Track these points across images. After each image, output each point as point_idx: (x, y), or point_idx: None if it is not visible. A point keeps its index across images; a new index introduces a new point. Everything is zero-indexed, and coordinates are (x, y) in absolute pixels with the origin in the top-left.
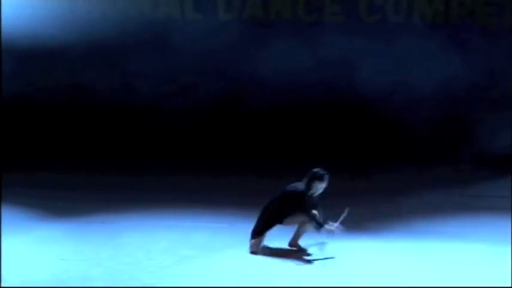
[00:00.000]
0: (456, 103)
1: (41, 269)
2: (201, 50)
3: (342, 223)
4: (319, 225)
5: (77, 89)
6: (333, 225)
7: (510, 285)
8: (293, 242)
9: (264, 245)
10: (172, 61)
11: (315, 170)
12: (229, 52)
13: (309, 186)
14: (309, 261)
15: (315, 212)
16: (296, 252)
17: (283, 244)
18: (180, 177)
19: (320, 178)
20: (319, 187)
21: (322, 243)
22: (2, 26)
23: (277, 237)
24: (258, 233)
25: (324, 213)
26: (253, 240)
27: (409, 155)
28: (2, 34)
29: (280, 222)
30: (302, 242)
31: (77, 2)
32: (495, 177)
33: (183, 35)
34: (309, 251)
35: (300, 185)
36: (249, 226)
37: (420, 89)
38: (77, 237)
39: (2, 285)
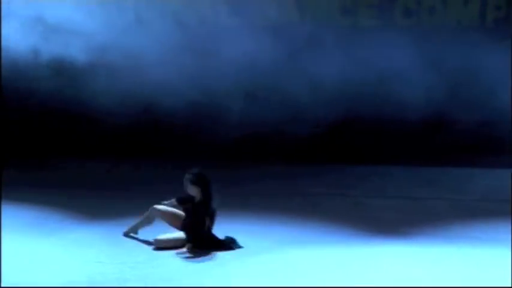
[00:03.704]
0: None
1: (77, 271)
2: None
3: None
4: None
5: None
6: None
7: (510, 286)
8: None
9: None
10: None
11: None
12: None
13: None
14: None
15: None
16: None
17: None
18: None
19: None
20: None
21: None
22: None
23: None
24: None
25: None
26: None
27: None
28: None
29: None
30: None
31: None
32: None
33: None
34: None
35: None
36: (285, 229)
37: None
38: (113, 240)
39: (2, 285)
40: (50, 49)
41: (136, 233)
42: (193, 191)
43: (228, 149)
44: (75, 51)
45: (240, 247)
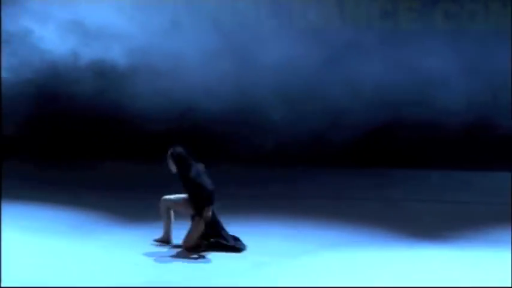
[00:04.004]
0: None
1: (115, 273)
2: None
3: None
4: None
5: None
6: None
7: (510, 286)
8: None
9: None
10: None
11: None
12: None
13: None
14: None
15: None
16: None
17: None
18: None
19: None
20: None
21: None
22: None
23: None
24: None
25: None
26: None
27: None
28: None
29: None
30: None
31: None
32: None
33: None
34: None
35: None
36: (320, 233)
37: None
38: (149, 241)
39: (2, 285)
40: (89, 52)
41: (169, 240)
42: (171, 166)
43: (267, 153)
44: (115, 54)
45: (243, 248)
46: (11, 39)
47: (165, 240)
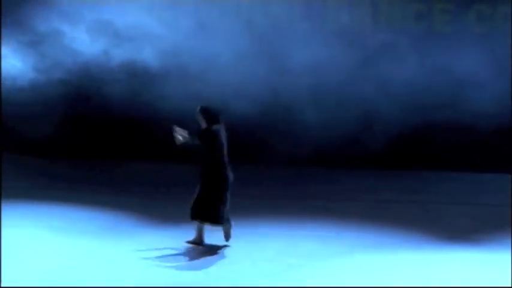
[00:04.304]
0: None
1: (149, 274)
2: None
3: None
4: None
5: None
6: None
7: (510, 286)
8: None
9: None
10: None
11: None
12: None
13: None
14: None
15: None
16: None
17: None
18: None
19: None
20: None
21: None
22: None
23: None
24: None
25: None
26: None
27: None
28: None
29: None
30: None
31: None
32: None
33: None
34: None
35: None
36: (355, 235)
37: None
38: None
39: (2, 285)
40: (121, 53)
41: (201, 242)
42: (201, 121)
43: (300, 155)
44: (146, 55)
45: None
46: (42, 40)
47: (197, 242)
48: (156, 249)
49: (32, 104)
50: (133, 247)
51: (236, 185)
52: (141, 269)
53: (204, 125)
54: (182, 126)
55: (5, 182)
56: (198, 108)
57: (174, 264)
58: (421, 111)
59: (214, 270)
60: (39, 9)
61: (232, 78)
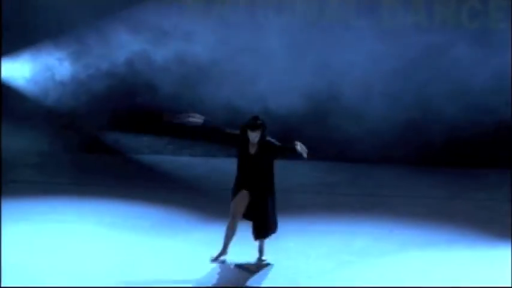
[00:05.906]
0: None
1: (195, 270)
2: None
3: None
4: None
5: None
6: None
7: (510, 286)
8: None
9: None
10: None
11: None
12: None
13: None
14: None
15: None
16: None
17: None
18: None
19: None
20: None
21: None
22: None
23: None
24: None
25: None
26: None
27: None
28: None
29: None
30: None
31: None
32: None
33: None
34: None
35: None
36: (409, 232)
37: None
38: (237, 240)
39: (2, 285)
40: (169, 47)
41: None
42: (257, 135)
43: (356, 150)
44: (196, 49)
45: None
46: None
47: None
48: (209, 244)
49: (79, 100)
50: (187, 243)
51: (292, 181)
52: (192, 264)
53: (258, 138)
54: (231, 123)
55: (53, 178)
56: (259, 122)
57: (229, 260)
58: (475, 109)
59: (266, 269)
60: None
61: (284, 74)
